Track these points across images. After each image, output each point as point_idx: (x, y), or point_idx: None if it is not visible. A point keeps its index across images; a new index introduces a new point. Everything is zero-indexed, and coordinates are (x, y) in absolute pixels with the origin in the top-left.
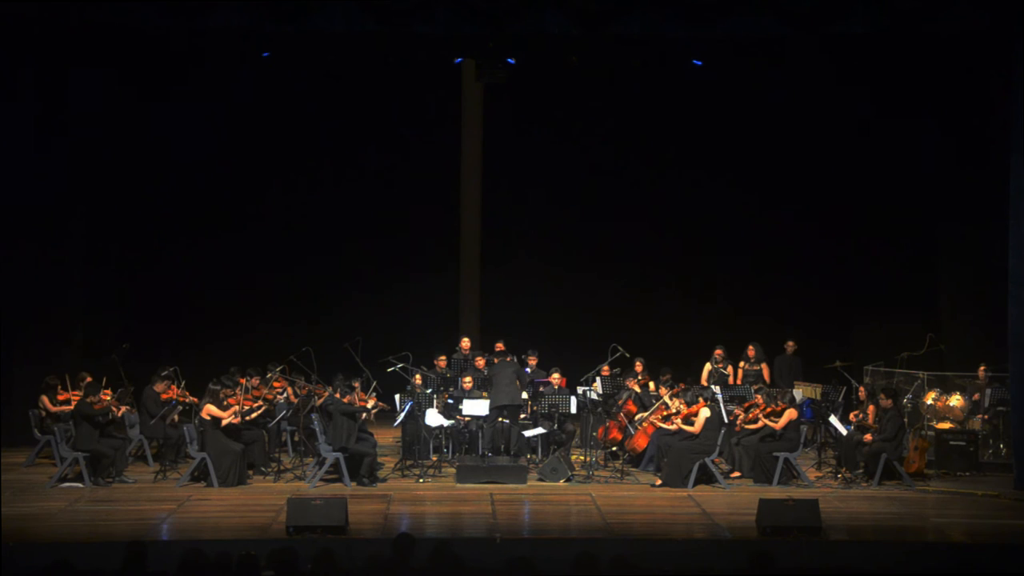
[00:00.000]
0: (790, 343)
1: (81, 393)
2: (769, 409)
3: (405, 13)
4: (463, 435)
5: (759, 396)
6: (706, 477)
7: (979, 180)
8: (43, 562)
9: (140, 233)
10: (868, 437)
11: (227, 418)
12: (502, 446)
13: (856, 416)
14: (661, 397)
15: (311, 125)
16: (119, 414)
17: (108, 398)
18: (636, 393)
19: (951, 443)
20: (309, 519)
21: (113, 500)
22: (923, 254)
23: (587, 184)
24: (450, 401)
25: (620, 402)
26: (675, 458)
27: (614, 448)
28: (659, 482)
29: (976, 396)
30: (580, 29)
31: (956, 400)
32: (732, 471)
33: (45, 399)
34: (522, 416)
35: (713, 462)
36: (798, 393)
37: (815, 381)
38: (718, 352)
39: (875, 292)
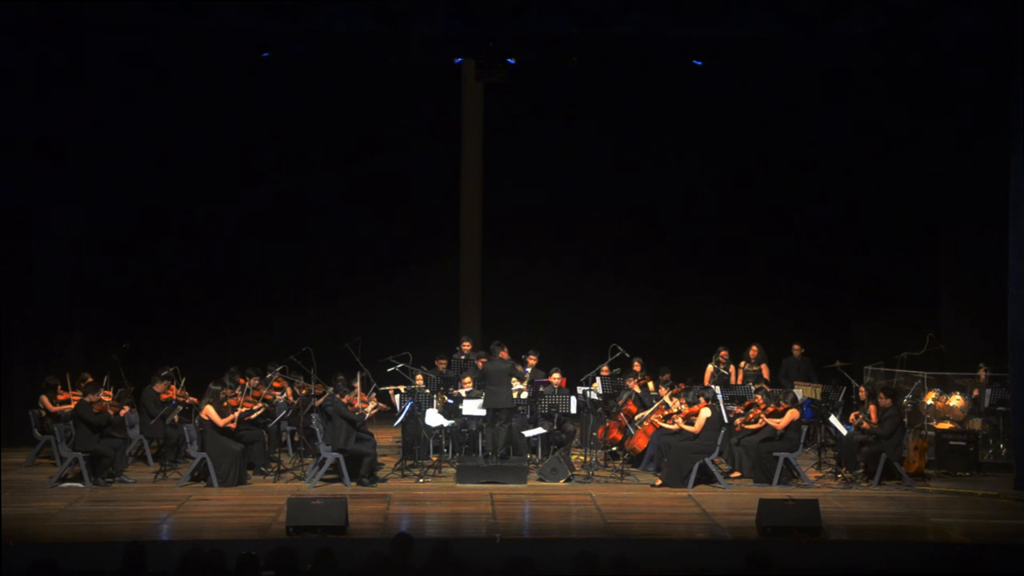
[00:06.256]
0: (796, 347)
1: (81, 393)
2: (771, 409)
3: (405, 13)
4: (463, 435)
5: (759, 396)
6: (706, 477)
7: (979, 180)
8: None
9: (140, 233)
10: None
11: (224, 424)
12: (508, 449)
13: (856, 416)
14: (661, 397)
15: (311, 125)
16: (122, 414)
17: (108, 398)
18: (636, 393)
19: (951, 443)
20: (309, 519)
21: (113, 500)
22: (923, 254)
23: (587, 184)
24: (450, 401)
25: (620, 402)
26: (675, 458)
27: (614, 448)
28: (659, 482)
29: (975, 392)
30: (580, 29)
31: (956, 400)
32: (732, 471)
33: (45, 399)
34: (519, 408)
35: (713, 462)
36: (798, 393)
37: (815, 381)
38: (723, 354)
39: (875, 292)
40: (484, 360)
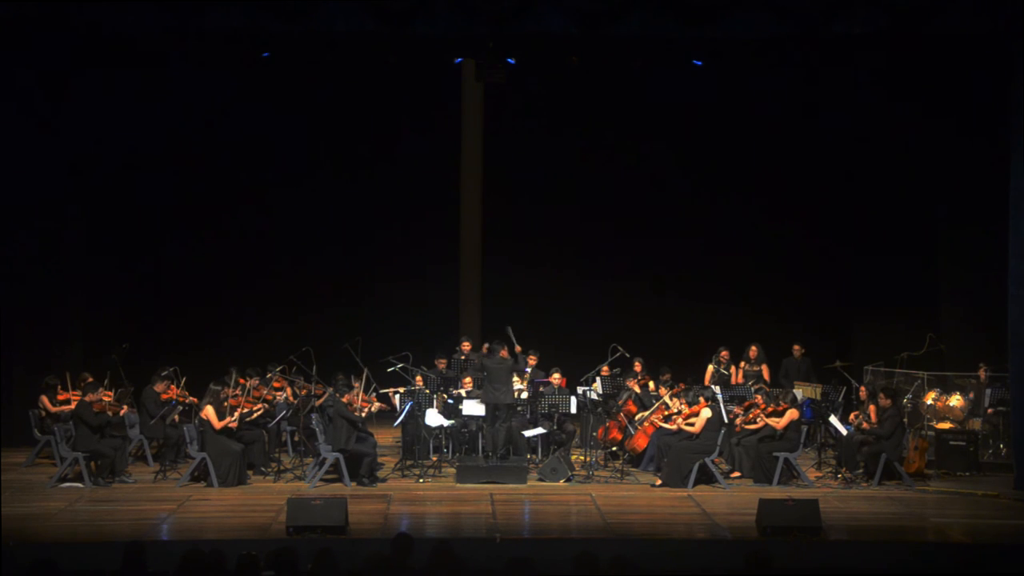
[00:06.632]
0: (797, 347)
1: (81, 393)
2: (771, 409)
3: (405, 13)
4: (463, 435)
5: (759, 396)
6: (706, 477)
7: (979, 181)
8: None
9: (140, 233)
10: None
11: (221, 426)
12: (508, 449)
13: (856, 416)
14: (661, 397)
15: (311, 125)
16: (121, 413)
17: (108, 398)
18: (636, 393)
19: (951, 443)
20: (309, 519)
21: (113, 500)
22: (923, 254)
23: (587, 184)
24: (450, 401)
25: (620, 402)
26: (675, 458)
27: (614, 448)
28: (659, 482)
29: (971, 393)
30: (580, 29)
31: (956, 400)
32: (732, 471)
33: (45, 399)
34: (519, 408)
35: (713, 462)
36: (798, 393)
37: (815, 381)
38: (724, 354)
39: (875, 292)
40: (485, 353)
